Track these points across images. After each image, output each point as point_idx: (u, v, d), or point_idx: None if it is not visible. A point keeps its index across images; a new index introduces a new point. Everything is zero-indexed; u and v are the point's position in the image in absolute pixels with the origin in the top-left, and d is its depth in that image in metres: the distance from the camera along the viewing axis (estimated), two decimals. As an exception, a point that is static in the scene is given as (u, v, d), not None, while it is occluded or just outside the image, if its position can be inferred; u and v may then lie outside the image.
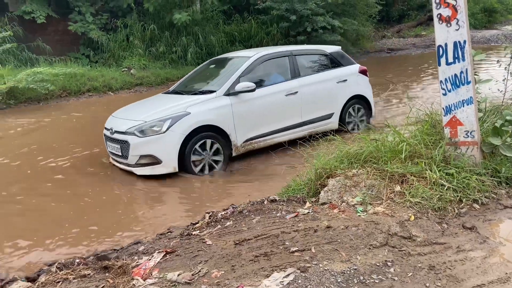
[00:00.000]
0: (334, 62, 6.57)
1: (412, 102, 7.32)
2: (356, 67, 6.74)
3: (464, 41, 3.55)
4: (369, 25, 17.77)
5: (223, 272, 2.57)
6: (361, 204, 3.32)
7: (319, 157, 3.91)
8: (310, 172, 3.87)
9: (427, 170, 3.46)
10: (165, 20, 13.41)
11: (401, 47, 18.10)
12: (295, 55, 6.17)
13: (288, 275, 2.49)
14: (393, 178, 3.54)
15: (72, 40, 13.45)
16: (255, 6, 14.14)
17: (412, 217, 3.07)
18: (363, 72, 6.75)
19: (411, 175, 3.51)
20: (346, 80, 6.44)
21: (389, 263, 2.60)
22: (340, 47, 7.02)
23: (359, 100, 6.61)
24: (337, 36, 13.49)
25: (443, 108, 3.77)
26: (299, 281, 2.43)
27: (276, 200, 3.57)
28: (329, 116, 6.28)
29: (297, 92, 5.88)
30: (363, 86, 6.66)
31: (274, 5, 13.44)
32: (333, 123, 6.30)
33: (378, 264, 2.59)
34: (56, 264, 3.01)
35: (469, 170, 3.52)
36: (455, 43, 3.59)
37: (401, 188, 3.46)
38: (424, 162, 3.57)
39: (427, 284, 2.39)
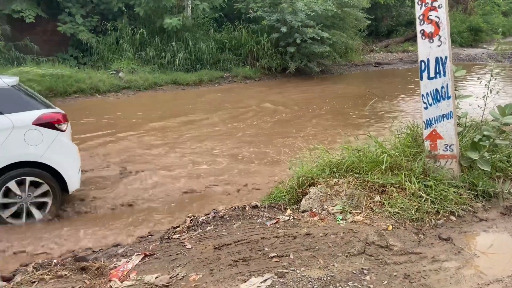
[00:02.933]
0: None
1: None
2: (30, 115, 4.11)
3: (446, 57, 3.66)
4: (358, 39, 18.04)
5: (201, 275, 2.57)
6: (341, 213, 3.36)
7: (302, 166, 3.96)
8: (292, 180, 3.91)
9: (406, 182, 3.54)
10: (156, 25, 13.42)
11: (389, 62, 18.40)
12: None
13: (266, 280, 2.50)
14: (373, 188, 3.60)
15: (61, 41, 13.33)
16: (246, 15, 14.26)
17: (390, 227, 3.13)
18: (48, 124, 4.15)
19: (391, 186, 3.58)
20: None
21: (365, 271, 2.64)
22: (12, 79, 4.36)
23: (33, 170, 4.08)
24: (326, 47, 13.66)
25: (424, 121, 3.86)
26: (276, 286, 2.45)
27: (257, 206, 3.59)
28: None
29: None
30: (43, 148, 4.08)
31: (265, 15, 13.56)
32: None
33: (354, 272, 2.63)
34: (32, 264, 2.97)
35: (447, 183, 3.60)
36: (437, 59, 3.69)
37: (380, 198, 3.52)
38: (404, 174, 3.64)
39: (402, 292, 2.44)
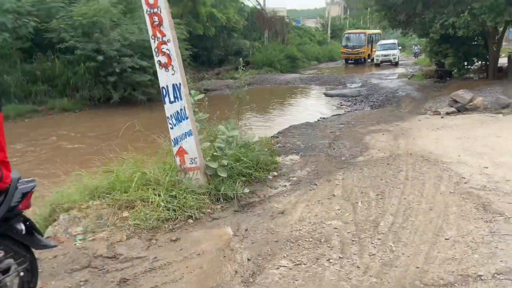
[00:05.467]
0: None
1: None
2: None
3: (180, 84, 4.22)
4: (186, 67, 18.95)
5: None
6: (83, 234, 3.51)
7: (57, 193, 4.00)
8: (45, 209, 3.90)
9: (152, 195, 3.91)
10: None
11: (217, 88, 19.82)
12: None
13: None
14: (122, 205, 3.87)
15: None
16: (57, 45, 13.51)
17: (125, 238, 3.42)
18: None
19: (141, 201, 3.91)
20: None
21: (82, 283, 2.83)
22: None
23: None
24: (148, 76, 13.93)
25: (172, 140, 4.35)
26: (-26, 317, 2.43)
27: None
28: None
29: None
30: None
31: (79, 45, 13.16)
32: None
33: (70, 286, 2.79)
34: None
35: (192, 191, 4.11)
36: (173, 85, 4.23)
37: (129, 213, 3.81)
38: (154, 188, 4.03)
39: (107, 295, 2.70)
